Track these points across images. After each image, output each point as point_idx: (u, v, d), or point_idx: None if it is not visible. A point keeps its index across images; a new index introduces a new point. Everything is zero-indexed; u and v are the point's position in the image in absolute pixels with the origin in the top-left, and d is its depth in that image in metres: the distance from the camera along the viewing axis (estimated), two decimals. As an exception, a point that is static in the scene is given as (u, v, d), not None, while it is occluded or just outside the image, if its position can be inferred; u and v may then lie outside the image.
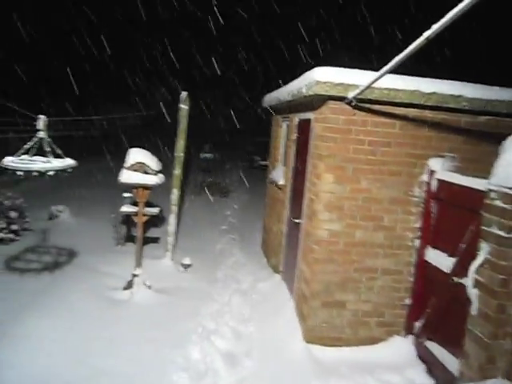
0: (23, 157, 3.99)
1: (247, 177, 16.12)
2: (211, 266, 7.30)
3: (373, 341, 4.81)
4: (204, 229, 9.43)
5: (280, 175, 7.16)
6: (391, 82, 4.37)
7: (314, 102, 4.98)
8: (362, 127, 4.57)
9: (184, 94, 7.06)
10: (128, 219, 7.53)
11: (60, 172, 3.78)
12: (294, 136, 6.36)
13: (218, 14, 20.42)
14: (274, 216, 7.46)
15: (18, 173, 3.63)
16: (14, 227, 7.25)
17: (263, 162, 21.81)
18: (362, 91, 4.07)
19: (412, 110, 4.59)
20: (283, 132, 7.71)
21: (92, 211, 9.35)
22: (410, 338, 4.73)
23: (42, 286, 5.65)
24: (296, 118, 6.33)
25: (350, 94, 4.30)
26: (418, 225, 4.73)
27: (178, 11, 22.53)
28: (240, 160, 21.42)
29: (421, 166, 4.67)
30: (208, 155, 15.87)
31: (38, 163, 3.79)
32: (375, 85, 3.98)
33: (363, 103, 4.47)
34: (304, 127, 5.77)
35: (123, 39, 23.74)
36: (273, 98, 7.38)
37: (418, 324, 4.65)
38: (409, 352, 4.61)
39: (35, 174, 3.64)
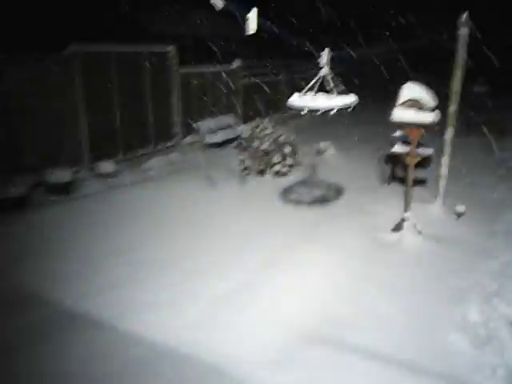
0: (307, 94, 4.02)
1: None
2: (487, 217, 6.37)
3: None
4: (476, 173, 8.31)
5: None
6: None
7: None
8: None
9: (464, 14, 5.99)
10: (394, 159, 7.20)
11: (343, 109, 3.66)
12: None
13: None
14: None
15: (303, 112, 3.67)
16: (288, 161, 7.88)
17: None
18: None
19: None
20: None
21: (356, 148, 9.40)
22: None
23: (315, 217, 5.99)
24: None
25: None
26: None
27: None
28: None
29: None
30: (481, 89, 13.72)
31: (322, 100, 3.75)
32: None
33: None
34: None
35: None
36: None
37: None
38: None
39: (319, 112, 3.62)
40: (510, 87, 20.05)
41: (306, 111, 3.71)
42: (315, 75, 3.93)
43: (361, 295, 4.29)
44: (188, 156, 9.33)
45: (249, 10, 3.83)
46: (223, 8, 3.13)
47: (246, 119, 11.86)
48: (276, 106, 13.44)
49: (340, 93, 3.89)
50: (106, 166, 7.62)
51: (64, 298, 4.04)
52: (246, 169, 7.81)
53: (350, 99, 3.81)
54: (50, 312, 3.84)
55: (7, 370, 3.19)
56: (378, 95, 14.31)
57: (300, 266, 4.74)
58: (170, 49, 9.45)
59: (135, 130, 8.69)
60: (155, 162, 8.61)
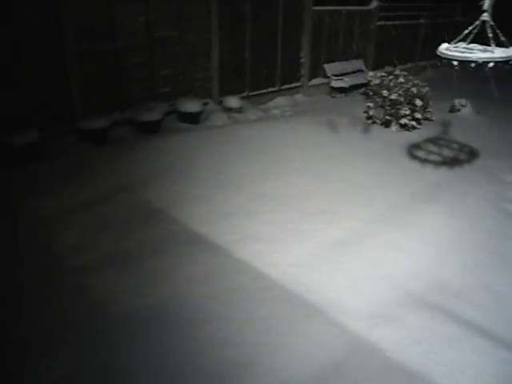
0: (459, 44, 3.63)
1: None
2: None
3: None
4: None
5: None
6: None
7: None
8: None
9: None
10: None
11: (500, 64, 3.25)
12: None
13: None
14: None
15: (454, 62, 3.33)
16: (417, 115, 7.37)
17: None
18: None
19: None
20: None
21: (497, 110, 8.42)
22: None
23: (438, 179, 5.62)
24: None
25: None
26: None
27: None
28: None
29: None
30: None
31: (477, 52, 3.36)
32: None
33: None
34: None
35: None
36: None
37: None
38: None
39: (472, 64, 3.26)
40: None
41: (457, 63, 3.36)
42: (464, 22, 3.52)
43: (481, 269, 4.00)
44: (313, 98, 9.21)
45: None
46: None
47: (376, 65, 11.20)
48: (411, 53, 12.44)
49: (499, 45, 3.44)
50: (233, 101, 7.85)
51: (187, 220, 4.38)
52: (370, 117, 7.50)
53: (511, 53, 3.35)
54: (171, 230, 4.20)
55: (120, 277, 3.57)
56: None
57: (420, 227, 4.52)
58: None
59: (263, 67, 8.71)
60: (279, 102, 8.66)
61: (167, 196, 4.85)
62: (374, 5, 11.00)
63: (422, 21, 12.74)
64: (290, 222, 4.45)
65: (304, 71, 9.49)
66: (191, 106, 7.21)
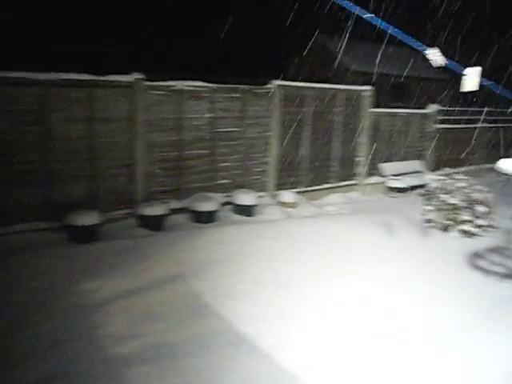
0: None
1: None
2: None
3: None
4: None
5: None
6: None
7: None
8: None
9: None
10: None
11: None
12: None
13: None
14: None
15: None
16: (480, 222, 7.05)
17: None
18: None
19: None
20: None
21: None
22: None
23: (503, 293, 5.20)
24: None
25: None
26: None
27: None
28: None
29: None
30: None
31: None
32: None
33: None
34: None
35: None
36: None
37: None
38: None
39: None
40: None
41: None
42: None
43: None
44: (369, 197, 9.17)
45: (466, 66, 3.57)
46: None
47: (435, 167, 11.14)
48: (471, 157, 12.31)
49: None
50: (288, 196, 7.98)
51: (233, 318, 4.26)
52: (429, 221, 7.27)
53: None
54: (218, 327, 4.09)
55: (162, 375, 3.46)
56: None
57: (471, 355, 4.06)
58: (366, 89, 9.51)
59: (319, 164, 8.92)
60: (335, 199, 8.69)
61: (217, 289, 4.80)
62: (431, 109, 11.22)
63: (479, 124, 12.76)
64: (341, 332, 4.20)
65: (361, 169, 9.59)
66: (247, 198, 7.40)
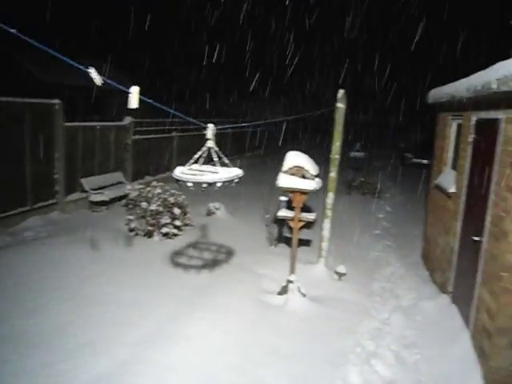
0: (193, 166, 4.05)
1: (400, 175, 15.20)
2: (366, 276, 6.85)
3: None
4: (356, 232, 8.95)
5: (449, 181, 6.34)
6: None
7: (508, 99, 4.17)
8: None
9: (341, 91, 6.69)
10: (281, 221, 7.47)
11: (227, 183, 3.74)
12: (471, 138, 5.58)
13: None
14: (440, 226, 6.67)
15: (188, 184, 3.67)
16: (177, 223, 7.74)
17: (417, 160, 20.36)
18: None
19: None
20: (452, 132, 6.95)
21: (246, 209, 9.59)
22: None
23: (202, 283, 5.87)
24: (473, 117, 5.57)
25: None
26: None
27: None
28: (390, 157, 20.24)
29: None
30: (358, 154, 15.01)
31: (207, 174, 3.80)
32: None
33: None
34: (486, 128, 4.97)
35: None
36: (443, 93, 6.61)
37: None
38: None
39: (204, 185, 3.65)
40: (381, 149, 22.88)
41: (191, 185, 3.71)
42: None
43: (248, 364, 4.21)
44: (71, 215, 8.75)
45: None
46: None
47: (136, 177, 11.58)
48: (167, 164, 13.36)
49: (223, 165, 3.98)
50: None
51: None
52: (133, 230, 7.50)
53: (235, 173, 3.91)
54: None
55: None
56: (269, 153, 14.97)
57: (188, 338, 4.52)
58: (55, 102, 9.00)
59: (7, 185, 7.89)
60: (32, 223, 7.90)
61: None
62: (127, 120, 11.59)
63: (174, 134, 14.03)
64: (47, 364, 3.86)
65: (59, 187, 9.01)
66: None
